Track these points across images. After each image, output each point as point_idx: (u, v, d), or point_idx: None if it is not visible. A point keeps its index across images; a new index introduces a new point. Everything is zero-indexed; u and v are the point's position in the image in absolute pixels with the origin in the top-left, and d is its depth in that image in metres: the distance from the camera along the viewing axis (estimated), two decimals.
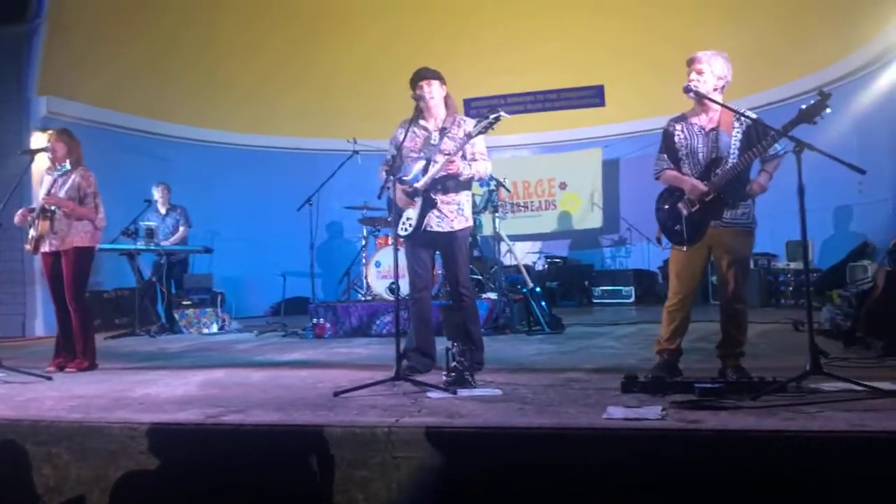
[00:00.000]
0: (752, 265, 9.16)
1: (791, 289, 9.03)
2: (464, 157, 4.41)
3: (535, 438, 2.75)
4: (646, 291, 10.66)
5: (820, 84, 8.56)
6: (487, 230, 8.58)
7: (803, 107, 3.34)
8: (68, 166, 5.24)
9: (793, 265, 9.02)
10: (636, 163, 10.90)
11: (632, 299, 10.53)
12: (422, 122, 4.50)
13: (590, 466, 2.67)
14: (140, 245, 8.22)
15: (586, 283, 11.07)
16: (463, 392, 3.64)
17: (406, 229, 4.43)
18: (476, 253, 8.06)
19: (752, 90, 8.89)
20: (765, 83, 9.43)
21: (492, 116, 4.18)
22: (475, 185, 7.42)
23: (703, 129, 3.82)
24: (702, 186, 3.71)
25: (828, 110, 3.28)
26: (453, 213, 4.42)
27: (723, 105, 3.74)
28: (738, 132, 3.75)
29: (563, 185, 11.87)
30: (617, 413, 2.93)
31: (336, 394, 3.67)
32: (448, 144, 4.38)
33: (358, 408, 3.33)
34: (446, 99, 4.52)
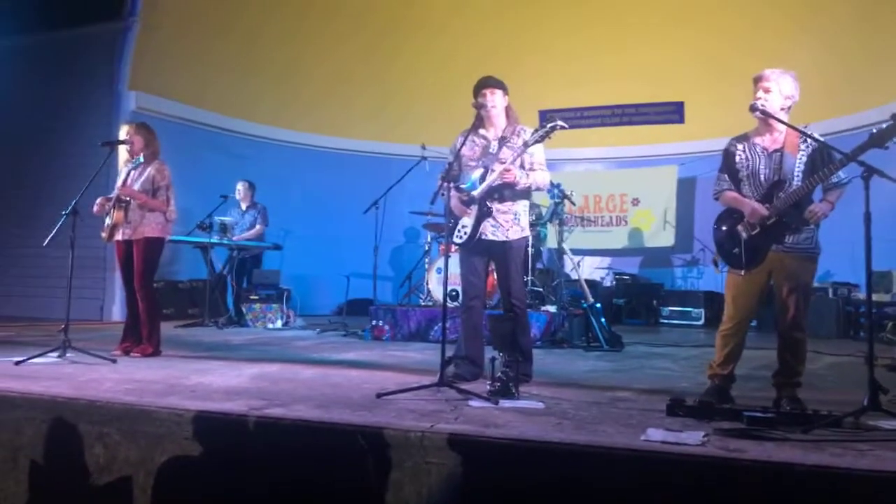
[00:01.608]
0: (831, 294, 8.80)
1: (868, 320, 8.61)
2: (522, 166, 4.39)
3: (566, 454, 2.70)
4: (716, 314, 10.23)
5: None
6: (552, 243, 8.50)
7: (874, 130, 3.19)
8: (142, 159, 5.46)
9: (875, 297, 8.59)
10: (713, 182, 10.59)
11: (701, 322, 10.23)
12: (482, 130, 4.51)
13: (620, 487, 2.61)
14: (214, 239, 8.49)
15: (655, 302, 10.81)
16: (505, 403, 3.62)
17: (461, 237, 4.44)
18: (539, 265, 8.00)
19: (833, 114, 8.54)
20: (847, 108, 9.04)
21: (549, 126, 4.15)
22: (543, 196, 7.43)
23: (766, 150, 3.69)
24: (763, 210, 3.59)
25: None
26: (509, 223, 4.40)
27: (789, 126, 3.61)
28: (803, 155, 3.61)
29: (635, 202, 11.66)
30: (656, 435, 2.85)
31: (379, 395, 3.70)
32: (506, 153, 4.37)
33: (397, 411, 3.34)
34: (508, 109, 4.51)
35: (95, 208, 5.52)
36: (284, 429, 3.14)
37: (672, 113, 11.68)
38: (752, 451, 2.66)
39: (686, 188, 11.46)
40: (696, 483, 2.54)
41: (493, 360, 3.85)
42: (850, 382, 4.83)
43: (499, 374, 3.82)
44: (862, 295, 8.85)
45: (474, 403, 3.59)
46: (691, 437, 2.82)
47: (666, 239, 11.35)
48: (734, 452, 2.64)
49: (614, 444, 2.76)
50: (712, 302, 10.40)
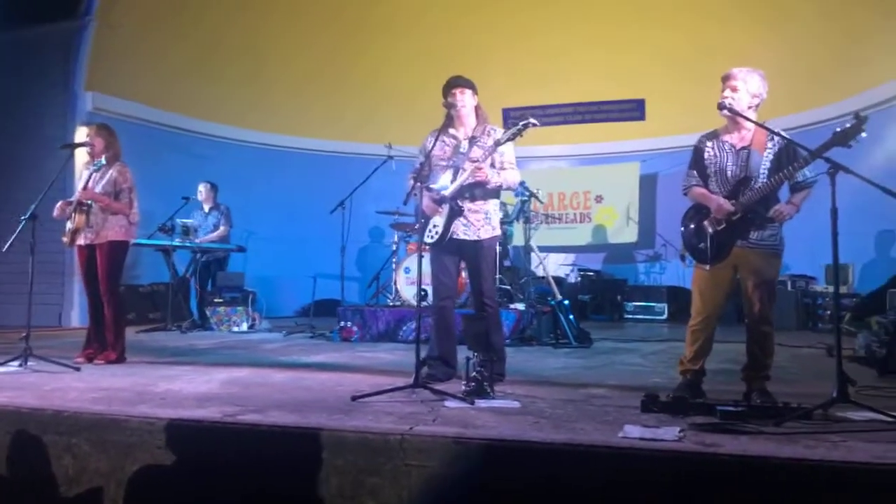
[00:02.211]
0: (789, 287, 8.99)
1: (829, 313, 8.81)
2: (493, 165, 4.40)
3: (547, 453, 2.71)
4: (679, 309, 10.47)
5: (864, 106, 8.39)
6: (519, 240, 8.54)
7: (838, 129, 3.26)
8: (104, 161, 5.34)
9: (832, 289, 8.78)
10: (674, 178, 10.67)
11: (664, 316, 10.38)
12: (451, 130, 4.50)
13: (601, 484, 2.62)
14: (176, 242, 8.35)
15: (619, 297, 10.94)
16: (481, 402, 3.62)
17: (432, 237, 4.43)
18: (507, 263, 8.02)
19: (795, 109, 8.73)
20: (808, 103, 9.27)
21: (521, 124, 4.17)
22: (509, 194, 7.45)
23: (734, 148, 3.75)
24: (728, 206, 3.65)
25: (863, 134, 3.19)
26: (480, 222, 4.40)
27: (757, 123, 3.67)
28: (769, 153, 3.67)
29: (599, 199, 11.78)
30: (633, 432, 2.88)
31: (354, 398, 3.67)
32: (477, 153, 4.37)
33: (374, 413, 3.32)
34: (477, 109, 4.52)
35: (56, 212, 5.38)
36: (261, 435, 3.09)
37: (633, 110, 11.83)
38: (728, 445, 2.70)
39: (648, 185, 11.62)
40: (676, 478, 2.57)
41: (468, 359, 3.85)
42: (814, 374, 4.96)
43: (473, 373, 3.81)
44: (819, 287, 9.08)
45: (450, 404, 3.59)
46: (668, 433, 2.85)
47: (629, 235, 11.49)
48: (711, 447, 2.68)
49: (593, 441, 2.78)
50: (675, 296, 10.57)
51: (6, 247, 4.93)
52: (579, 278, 11.32)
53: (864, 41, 8.92)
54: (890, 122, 8.30)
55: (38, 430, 3.36)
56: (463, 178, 4.32)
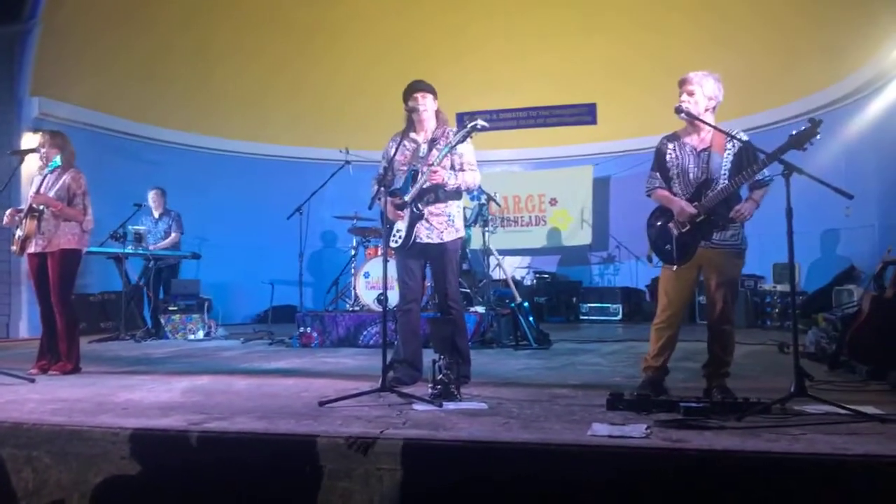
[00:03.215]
0: (739, 286, 9.21)
1: (777, 310, 9.09)
2: (452, 167, 4.43)
3: (520, 453, 2.74)
4: (633, 309, 10.71)
5: (810, 108, 8.70)
6: (477, 244, 8.59)
7: (794, 133, 3.37)
8: (58, 162, 5.21)
9: (779, 287, 9.07)
10: (626, 181, 10.96)
11: (619, 317, 10.56)
12: (412, 134, 4.53)
13: (573, 483, 2.66)
14: (128, 249, 8.18)
15: (574, 299, 11.09)
16: (449, 405, 3.64)
17: (396, 241, 4.44)
18: (465, 266, 8.06)
19: (742, 112, 8.98)
20: (755, 106, 9.54)
21: (469, 125, 4.22)
22: (466, 198, 7.50)
23: (695, 150, 3.85)
24: (690, 209, 3.74)
25: (817, 137, 3.31)
26: (443, 225, 4.42)
27: (714, 127, 3.77)
28: (729, 154, 3.78)
29: (553, 202, 11.93)
30: (602, 430, 2.93)
31: (321, 403, 3.65)
32: (435, 155, 4.39)
33: (343, 418, 3.31)
34: (437, 113, 4.55)
35: (5, 220, 5.24)
36: (229, 443, 3.05)
37: (585, 115, 12.01)
38: (695, 440, 2.77)
39: (601, 187, 11.81)
40: (646, 474, 2.62)
41: (434, 362, 3.86)
42: (768, 369, 5.11)
43: (440, 376, 3.83)
44: (768, 286, 9.33)
45: (419, 407, 3.60)
46: (635, 430, 2.91)
47: (583, 237, 11.65)
48: (678, 443, 2.74)
49: (563, 440, 2.82)
50: (629, 297, 10.77)
51: None
52: (535, 280, 11.44)
53: (802, 46, 9.23)
54: (834, 124, 8.58)
55: None
56: (421, 181, 4.34)
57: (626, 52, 10.79)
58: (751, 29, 9.63)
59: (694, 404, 3.28)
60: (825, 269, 8.81)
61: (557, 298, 11.14)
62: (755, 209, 3.74)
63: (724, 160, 3.76)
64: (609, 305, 10.72)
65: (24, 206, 5.21)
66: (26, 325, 8.65)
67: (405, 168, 4.49)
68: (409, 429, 3.08)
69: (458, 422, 3.23)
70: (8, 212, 5.24)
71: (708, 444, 2.70)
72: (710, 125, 3.78)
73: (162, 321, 8.36)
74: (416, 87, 4.49)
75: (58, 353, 5.20)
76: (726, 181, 3.70)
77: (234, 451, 3.03)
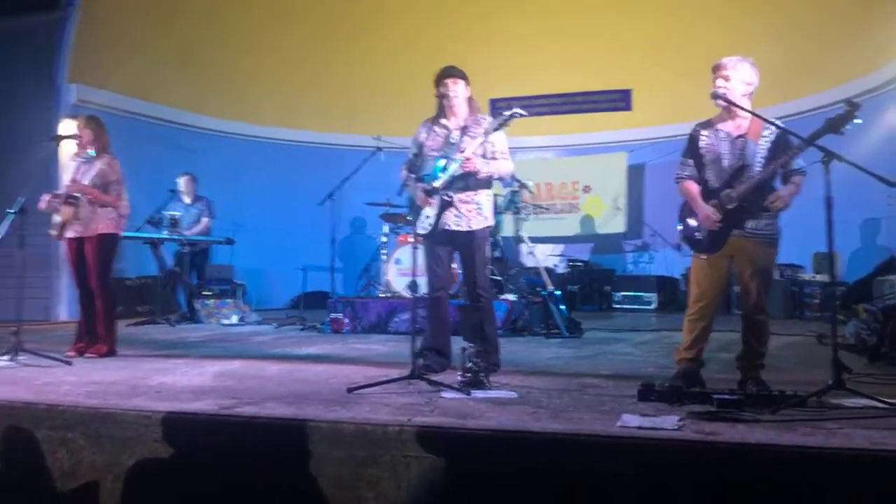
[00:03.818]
0: (777, 276, 9.05)
1: (817, 301, 8.88)
2: (484, 155, 4.39)
3: (548, 443, 2.72)
4: (668, 298, 10.55)
5: (851, 95, 8.42)
6: (509, 231, 8.54)
7: (831, 116, 3.28)
8: (93, 153, 5.29)
9: (819, 277, 8.88)
10: (662, 168, 10.78)
11: (653, 306, 10.42)
12: (443, 120, 4.49)
13: (602, 474, 2.64)
14: (164, 234, 8.29)
15: (607, 287, 10.97)
16: (477, 393, 3.62)
17: (425, 228, 4.42)
18: (497, 254, 8.02)
19: (781, 99, 8.78)
20: (795, 92, 9.32)
21: (507, 114, 4.17)
22: (498, 185, 7.46)
23: (730, 136, 3.76)
24: (715, 217, 3.67)
25: (857, 120, 3.21)
26: (472, 213, 4.39)
27: (752, 112, 3.68)
28: (765, 141, 3.69)
29: (586, 189, 11.80)
30: (632, 421, 2.89)
31: (350, 390, 3.66)
32: (468, 143, 4.35)
33: (371, 405, 3.32)
34: (469, 100, 4.50)
35: (42, 205, 5.31)
36: (258, 427, 3.08)
37: (620, 101, 11.85)
38: (727, 433, 2.72)
39: (636, 174, 11.65)
40: (676, 466, 2.58)
41: (463, 350, 3.85)
42: (805, 361, 5.00)
43: (469, 364, 3.81)
44: (807, 276, 9.14)
45: (447, 395, 3.59)
46: (667, 422, 2.87)
47: (617, 225, 11.52)
48: (710, 436, 2.70)
49: (593, 431, 2.79)
50: (664, 286, 10.62)
51: None
52: (568, 269, 11.35)
53: (846, 30, 8.98)
54: (876, 111, 8.35)
55: (31, 425, 3.33)
56: (452, 168, 4.31)
57: (663, 34, 10.56)
58: (791, 12, 9.39)
59: (727, 396, 3.21)
60: (866, 259, 8.59)
61: (590, 287, 11.03)
62: (796, 194, 3.64)
63: (760, 147, 3.67)
64: (643, 294, 10.59)
65: (61, 192, 5.29)
66: (66, 308, 8.81)
67: (435, 154, 4.46)
68: (436, 416, 3.07)
69: (486, 410, 3.22)
70: (45, 197, 5.32)
71: (741, 438, 2.65)
72: (747, 111, 3.70)
73: (197, 306, 8.47)
74: (447, 73, 4.45)
75: (95, 336, 5.29)
76: (761, 168, 3.61)
77: (264, 436, 3.06)
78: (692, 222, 3.85)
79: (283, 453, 3.00)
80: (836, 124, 3.29)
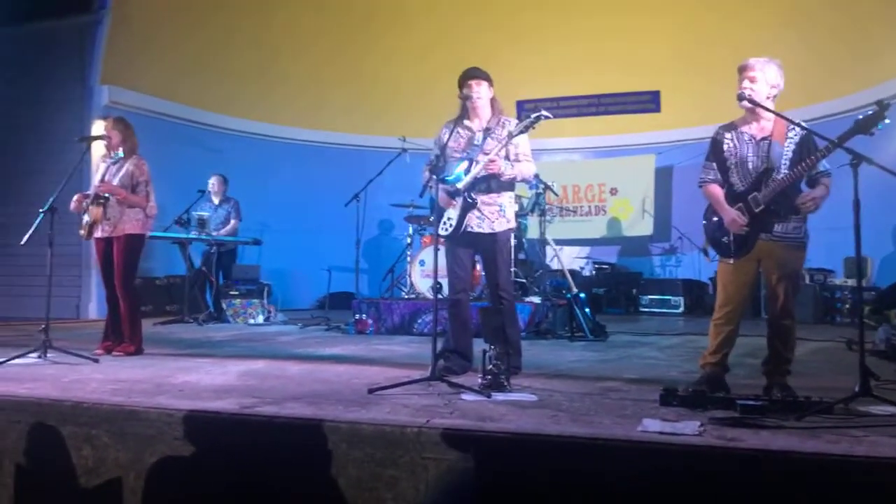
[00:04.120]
0: (807, 280, 8.91)
1: (847, 306, 8.73)
2: (507, 157, 4.38)
3: (566, 447, 2.70)
4: (695, 302, 10.44)
5: (882, 97, 8.25)
6: (534, 233, 8.50)
7: (860, 117, 3.21)
8: (122, 154, 5.37)
9: (850, 282, 8.73)
10: (690, 171, 10.60)
11: (680, 309, 10.31)
12: (466, 122, 4.48)
13: (621, 479, 2.61)
14: (192, 234, 8.39)
15: (634, 291, 10.89)
16: (498, 396, 3.61)
17: (446, 229, 4.41)
18: (522, 256, 8.00)
19: (809, 101, 8.64)
20: (822, 95, 9.16)
21: (533, 116, 4.14)
22: (523, 187, 7.45)
23: (754, 139, 3.71)
24: (742, 221, 3.62)
25: (886, 121, 3.15)
26: (494, 215, 4.38)
27: (777, 114, 3.63)
28: (790, 143, 3.63)
29: (613, 191, 11.71)
30: (653, 426, 2.86)
31: (370, 391, 3.67)
32: (491, 145, 4.35)
33: (391, 406, 3.32)
34: (493, 101, 4.50)
35: (72, 205, 5.41)
36: (277, 427, 3.10)
37: (648, 102, 11.73)
38: (749, 439, 2.68)
39: (663, 177, 11.54)
40: (696, 473, 2.55)
41: (484, 352, 3.83)
42: (834, 367, 4.91)
43: (490, 366, 3.80)
44: (838, 281, 8.99)
45: (467, 397, 3.58)
46: (688, 427, 2.83)
47: (644, 228, 11.42)
48: (732, 441, 2.65)
49: (612, 435, 2.76)
50: (691, 290, 10.51)
51: (25, 240, 4.96)
52: (594, 271, 11.28)
53: (876, 32, 8.81)
54: None
55: (57, 422, 3.38)
56: (476, 170, 4.30)
57: (692, 36, 10.45)
58: (820, 12, 9.23)
59: (752, 402, 3.17)
60: None
61: (617, 290, 10.96)
62: (826, 197, 3.57)
63: (785, 149, 3.62)
64: (670, 298, 10.48)
65: (91, 192, 5.38)
66: (95, 306, 8.95)
67: (458, 155, 4.46)
68: (455, 418, 3.06)
69: (505, 413, 3.20)
70: (75, 197, 5.42)
71: (763, 444, 2.60)
72: (773, 112, 3.64)
73: (223, 305, 8.55)
74: (470, 75, 4.45)
75: (121, 335, 5.37)
76: (787, 171, 3.56)
77: (283, 435, 3.07)
78: (716, 225, 3.80)
79: (303, 453, 3.01)
80: (865, 125, 3.23)
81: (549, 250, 8.21)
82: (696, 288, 10.65)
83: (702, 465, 2.55)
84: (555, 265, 9.09)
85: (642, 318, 9.86)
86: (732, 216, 3.67)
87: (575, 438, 2.73)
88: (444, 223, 4.43)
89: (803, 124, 3.61)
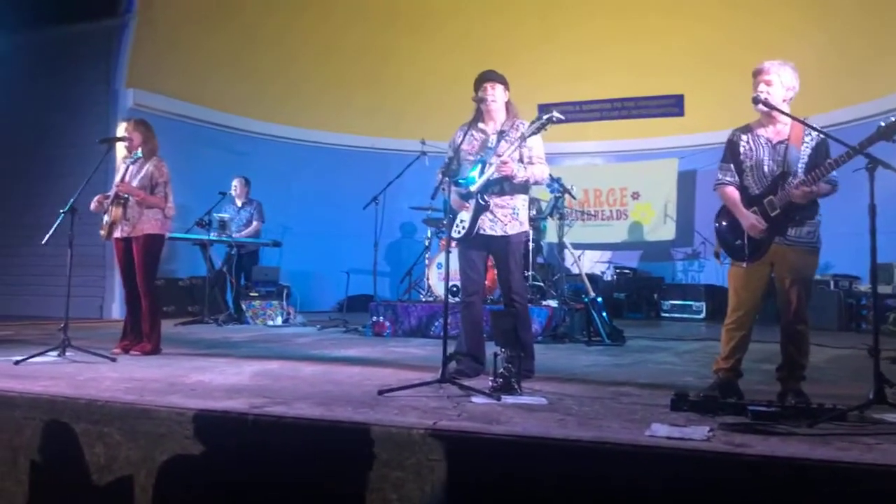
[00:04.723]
0: (832, 286, 8.78)
1: (873, 313, 8.57)
2: (520, 160, 4.37)
3: (572, 451, 2.68)
4: (717, 307, 10.29)
5: None
6: (553, 237, 8.47)
7: (882, 124, 3.16)
8: (140, 154, 5.44)
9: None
10: (713, 175, 10.39)
11: (702, 315, 10.21)
12: (480, 124, 4.48)
13: (627, 483, 2.58)
14: (212, 236, 8.47)
15: (655, 296, 10.81)
16: (508, 399, 3.60)
17: (459, 232, 4.41)
18: (540, 259, 7.97)
19: (834, 105, 8.50)
20: (850, 98, 9.02)
21: (545, 118, 4.13)
22: (543, 190, 7.42)
23: (770, 142, 3.67)
24: (761, 226, 3.58)
25: None
26: (507, 217, 4.37)
27: (793, 118, 3.58)
28: (807, 147, 3.60)
29: (635, 195, 11.62)
30: (661, 431, 2.83)
31: (381, 392, 3.67)
32: (505, 147, 4.34)
33: (399, 408, 3.32)
34: (507, 104, 4.49)
35: (93, 205, 5.49)
36: (284, 427, 3.11)
37: (672, 106, 11.64)
38: (758, 446, 2.64)
39: (686, 181, 11.43)
40: (702, 478, 2.52)
41: (495, 355, 3.82)
42: (853, 375, 4.83)
43: (501, 370, 3.79)
44: (863, 287, 8.84)
45: (477, 400, 3.57)
46: (696, 433, 2.80)
47: (666, 232, 11.32)
48: (740, 447, 2.62)
49: (618, 439, 2.74)
50: (713, 295, 10.38)
51: (46, 239, 5.04)
52: (615, 276, 11.21)
53: None
54: None
55: (71, 419, 3.42)
56: (489, 172, 4.30)
57: (717, 38, 10.35)
58: (849, 14, 9.09)
59: (763, 408, 3.12)
60: None
61: (638, 294, 10.88)
62: (827, 194, 3.55)
63: (802, 153, 3.58)
64: (692, 303, 10.39)
65: (111, 193, 5.45)
66: (118, 306, 9.05)
67: (472, 158, 4.46)
68: (462, 421, 3.06)
69: (513, 416, 3.19)
70: (96, 198, 5.50)
71: (771, 451, 2.56)
72: (790, 116, 3.60)
73: (243, 307, 8.62)
74: (486, 77, 4.45)
75: (140, 334, 5.43)
76: (803, 175, 3.51)
77: (291, 435, 3.08)
78: (728, 228, 3.76)
79: (310, 453, 3.02)
80: (888, 132, 3.18)
81: (567, 254, 8.17)
82: (718, 293, 10.50)
83: (708, 470, 2.52)
84: (574, 269, 9.04)
85: (663, 324, 9.77)
86: (752, 221, 3.63)
87: (580, 442, 2.72)
88: (457, 226, 4.43)
89: (819, 129, 3.56)
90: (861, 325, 8.65)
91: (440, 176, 4.33)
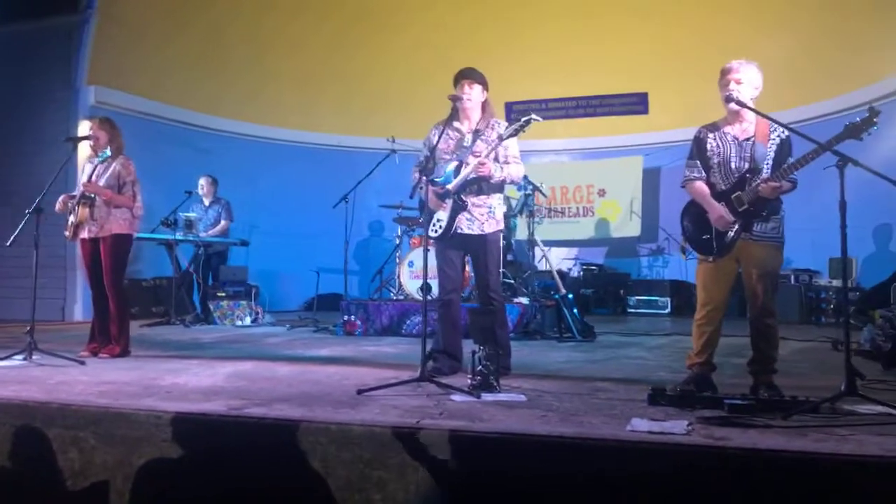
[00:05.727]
0: (793, 281, 8.99)
1: (833, 307, 8.80)
2: (496, 159, 4.38)
3: (556, 447, 2.70)
4: (682, 303, 10.48)
5: (872, 98, 8.33)
6: (522, 234, 8.52)
7: (849, 123, 3.25)
8: (108, 153, 5.34)
9: (835, 282, 8.80)
10: (677, 172, 10.46)
11: (668, 310, 10.37)
12: (456, 123, 4.49)
13: (610, 478, 2.62)
14: (178, 236, 8.34)
15: (622, 291, 10.94)
16: (487, 396, 3.61)
17: (436, 231, 4.42)
18: (510, 257, 8.01)
19: (801, 101, 8.68)
20: (814, 95, 9.22)
21: (523, 119, 4.16)
22: (512, 188, 7.46)
23: (737, 139, 3.76)
24: (730, 218, 3.66)
25: (875, 126, 3.18)
26: (484, 216, 4.39)
27: (763, 115, 3.66)
28: (773, 144, 3.71)
29: (601, 192, 11.75)
30: (641, 425, 2.87)
31: (360, 392, 3.66)
32: (481, 146, 4.36)
33: (380, 407, 3.32)
34: (484, 104, 4.50)
35: (58, 206, 5.37)
36: (266, 428, 3.08)
37: (636, 104, 11.78)
38: (738, 438, 2.69)
39: (651, 178, 11.58)
40: (685, 472, 2.56)
41: (473, 353, 3.84)
42: (819, 367, 4.95)
43: (479, 367, 3.80)
44: (823, 281, 9.06)
45: (456, 398, 3.58)
46: (676, 427, 2.84)
47: (632, 229, 11.46)
48: (720, 440, 2.67)
49: (601, 435, 2.77)
50: (678, 290, 10.56)
51: (11, 241, 4.91)
52: (582, 272, 11.32)
53: (868, 32, 8.87)
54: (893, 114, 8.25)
55: (43, 424, 3.35)
56: (466, 172, 4.31)
57: (680, 37, 10.49)
58: (812, 11, 9.26)
59: (739, 401, 3.19)
60: (883, 264, 8.49)
61: (605, 290, 11.01)
62: (787, 190, 3.64)
63: (769, 150, 3.68)
64: (657, 298, 10.54)
65: (76, 193, 5.34)
66: (81, 308, 8.89)
67: (448, 157, 4.46)
68: (445, 419, 3.06)
69: (495, 413, 3.21)
70: (60, 198, 5.38)
71: (751, 443, 2.62)
72: (761, 114, 3.68)
73: (211, 307, 8.51)
74: (464, 75, 4.46)
75: (108, 337, 5.33)
76: (769, 172, 3.60)
77: (272, 436, 3.06)
78: (696, 224, 3.83)
79: (292, 454, 3.00)
80: (855, 130, 3.27)
81: (537, 251, 8.23)
82: (683, 288, 10.69)
83: (690, 463, 2.56)
84: (543, 266, 9.11)
85: (630, 319, 9.90)
86: (720, 212, 3.70)
87: (564, 438, 2.74)
88: (434, 225, 4.43)
89: (786, 125, 3.66)
90: (821, 318, 8.87)
91: (416, 175, 4.32)
